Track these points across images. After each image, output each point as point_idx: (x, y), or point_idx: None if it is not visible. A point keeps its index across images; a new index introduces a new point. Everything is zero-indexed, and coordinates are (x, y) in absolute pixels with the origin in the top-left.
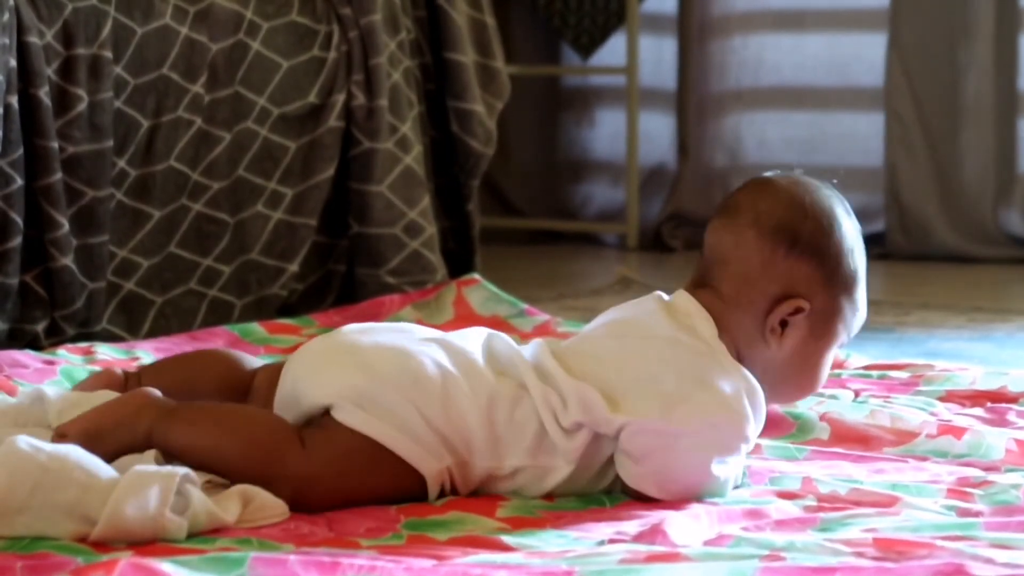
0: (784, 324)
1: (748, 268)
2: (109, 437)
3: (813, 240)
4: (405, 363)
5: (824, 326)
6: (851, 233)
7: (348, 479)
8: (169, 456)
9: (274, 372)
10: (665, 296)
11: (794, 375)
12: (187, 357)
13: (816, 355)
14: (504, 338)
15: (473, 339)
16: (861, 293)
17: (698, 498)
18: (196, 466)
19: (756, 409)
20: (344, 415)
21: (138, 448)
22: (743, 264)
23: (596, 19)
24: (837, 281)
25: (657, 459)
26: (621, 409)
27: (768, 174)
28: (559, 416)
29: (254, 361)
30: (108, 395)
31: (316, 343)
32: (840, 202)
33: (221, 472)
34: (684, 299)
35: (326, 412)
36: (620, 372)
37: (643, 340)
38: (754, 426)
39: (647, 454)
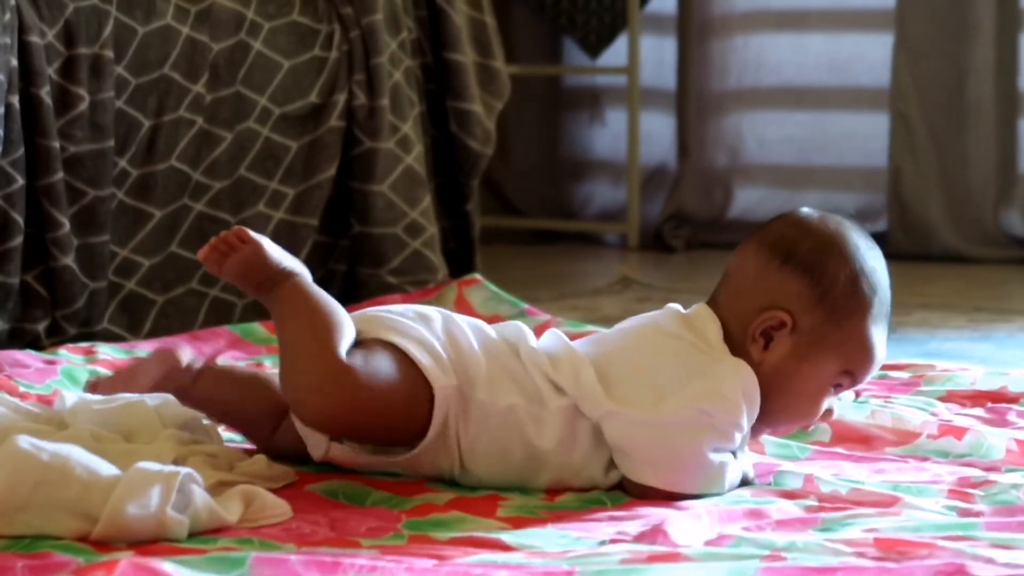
0: (769, 339)
1: (743, 280)
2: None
3: (809, 257)
4: (408, 307)
5: (810, 349)
6: (861, 266)
7: (376, 379)
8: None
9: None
10: (683, 310)
11: (779, 397)
12: (237, 379)
13: (801, 380)
14: (515, 323)
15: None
16: (867, 331)
17: (699, 488)
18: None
19: (750, 398)
20: (372, 331)
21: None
22: (739, 276)
23: (604, 18)
24: (829, 305)
25: (652, 450)
26: (611, 394)
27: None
28: (548, 374)
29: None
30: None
31: None
32: (861, 237)
33: (280, 350)
34: (701, 309)
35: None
36: (618, 353)
37: (646, 331)
38: (745, 414)
39: (640, 446)
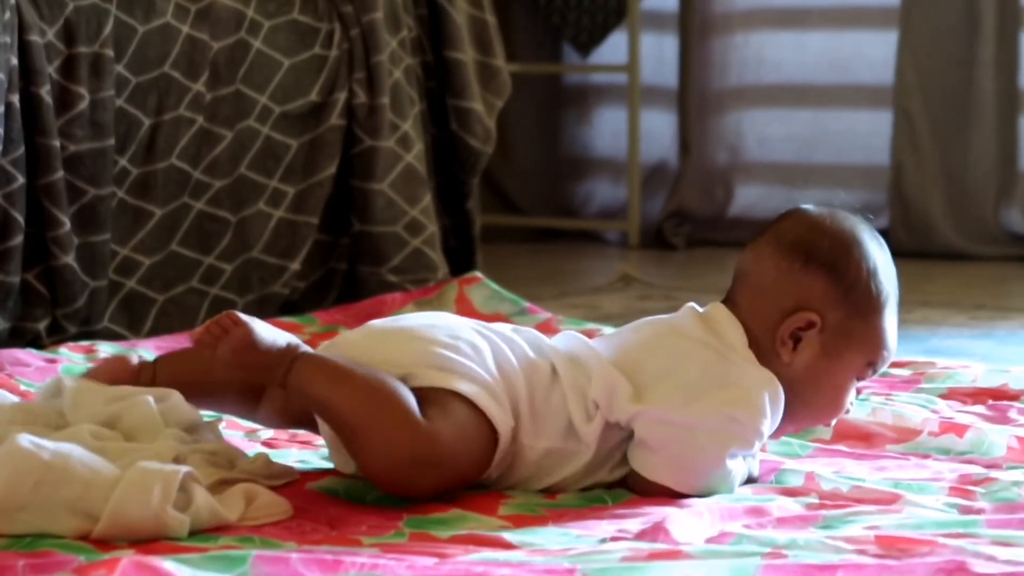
0: (797, 340)
1: (763, 281)
2: (252, 364)
3: (830, 256)
4: (456, 332)
5: (838, 346)
6: (876, 260)
7: (456, 441)
8: (301, 399)
9: None
10: (700, 308)
11: (810, 396)
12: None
13: (831, 377)
14: (530, 329)
15: (499, 325)
16: (886, 323)
17: (709, 490)
18: (323, 415)
19: (775, 407)
20: (428, 379)
21: (271, 382)
22: (759, 277)
23: (596, 17)
24: (853, 301)
25: (674, 449)
26: (642, 399)
27: (804, 205)
28: (585, 394)
29: None
30: (128, 390)
31: (350, 334)
32: (870, 232)
33: (344, 427)
34: (718, 309)
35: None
36: (646, 361)
37: (672, 337)
38: (770, 423)
39: (665, 444)
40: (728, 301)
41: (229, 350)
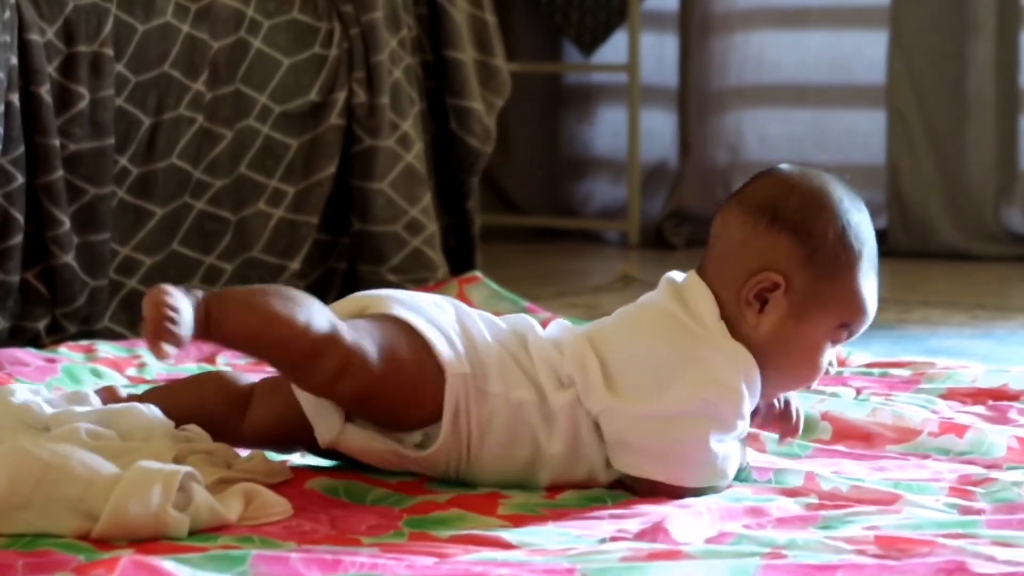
0: (764, 302)
1: (729, 244)
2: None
3: (797, 215)
4: (423, 296)
5: (806, 308)
6: (847, 218)
7: (384, 359)
8: (224, 340)
9: (272, 381)
10: (679, 276)
11: (781, 360)
12: (189, 382)
13: (801, 339)
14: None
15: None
16: (859, 283)
17: (702, 481)
18: (248, 350)
19: (750, 385)
20: (382, 307)
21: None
22: (725, 241)
23: (598, 16)
24: (821, 261)
25: (655, 443)
26: (613, 388)
27: (778, 166)
28: (556, 366)
29: (250, 377)
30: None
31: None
32: (843, 190)
33: (270, 351)
34: (693, 280)
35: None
36: (615, 339)
37: (644, 311)
38: (748, 402)
39: (644, 440)
40: (701, 268)
41: (153, 326)
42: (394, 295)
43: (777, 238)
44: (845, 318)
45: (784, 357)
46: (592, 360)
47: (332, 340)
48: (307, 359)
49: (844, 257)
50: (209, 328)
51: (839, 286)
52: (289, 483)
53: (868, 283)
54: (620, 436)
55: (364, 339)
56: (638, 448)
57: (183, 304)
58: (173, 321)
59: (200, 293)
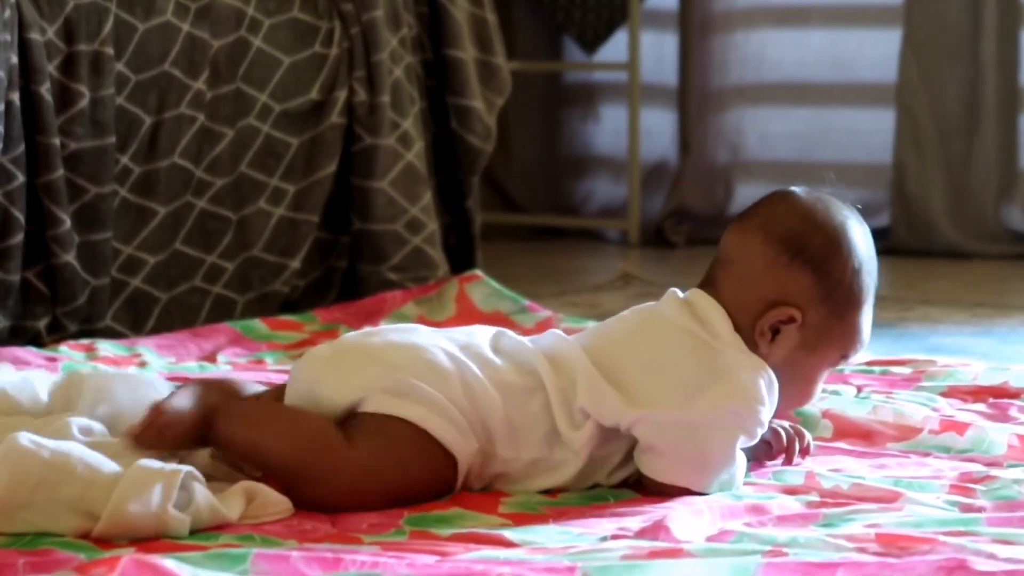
0: (776, 332)
1: (749, 271)
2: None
3: (819, 254)
4: (419, 354)
5: (816, 341)
6: (862, 257)
7: (395, 468)
8: (228, 452)
9: (277, 393)
10: (681, 293)
11: (784, 386)
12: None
13: (806, 369)
14: (510, 334)
15: (480, 335)
16: (863, 319)
17: (719, 487)
18: (254, 464)
19: (771, 393)
20: (377, 404)
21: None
22: (745, 267)
23: (600, 14)
24: (836, 300)
25: (684, 449)
26: (636, 402)
27: (794, 188)
28: (570, 401)
29: (254, 387)
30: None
31: (322, 349)
32: (859, 225)
33: (275, 470)
34: (700, 296)
35: (352, 413)
36: (629, 354)
37: (659, 328)
38: (768, 410)
39: (674, 446)
40: (709, 285)
41: (168, 439)
42: (390, 375)
43: (798, 275)
44: (846, 350)
45: (786, 384)
46: (604, 386)
47: (351, 467)
48: (332, 493)
49: (857, 296)
50: (208, 440)
51: (848, 323)
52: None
53: (869, 315)
54: (652, 442)
55: (377, 457)
56: (669, 454)
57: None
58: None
59: (205, 399)
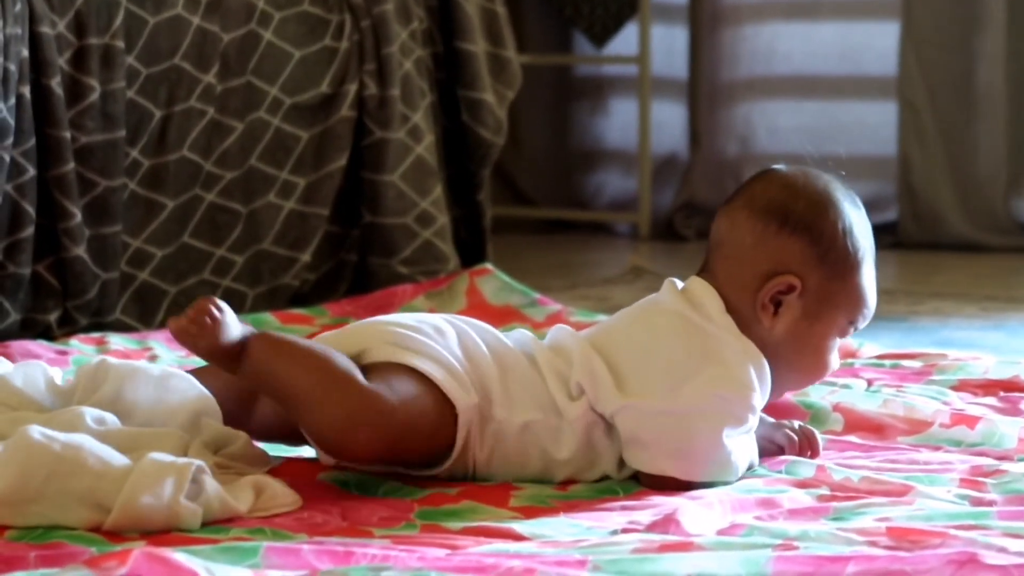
0: (778, 304)
1: (740, 248)
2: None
3: (806, 217)
4: (421, 319)
5: (819, 308)
6: (851, 218)
7: (401, 409)
8: (251, 377)
9: None
10: (679, 282)
11: (795, 358)
12: (199, 373)
13: (814, 338)
14: (521, 330)
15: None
16: (864, 281)
17: (713, 476)
18: (270, 393)
19: (761, 379)
20: (382, 354)
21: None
22: (736, 245)
23: (610, 8)
24: (832, 261)
25: (669, 439)
26: (625, 389)
27: (774, 166)
28: (565, 377)
29: None
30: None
31: (329, 332)
32: (843, 190)
33: (292, 399)
34: (694, 282)
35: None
36: (623, 336)
37: (653, 314)
38: (760, 396)
39: (658, 436)
40: (705, 272)
41: (205, 348)
42: (394, 333)
43: (789, 241)
44: (853, 315)
45: (797, 356)
46: (599, 365)
47: (367, 399)
48: (361, 415)
49: (853, 255)
50: (242, 357)
51: (849, 285)
52: (300, 475)
53: (871, 278)
54: (635, 433)
55: (391, 397)
56: (652, 444)
57: (231, 317)
58: (215, 321)
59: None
